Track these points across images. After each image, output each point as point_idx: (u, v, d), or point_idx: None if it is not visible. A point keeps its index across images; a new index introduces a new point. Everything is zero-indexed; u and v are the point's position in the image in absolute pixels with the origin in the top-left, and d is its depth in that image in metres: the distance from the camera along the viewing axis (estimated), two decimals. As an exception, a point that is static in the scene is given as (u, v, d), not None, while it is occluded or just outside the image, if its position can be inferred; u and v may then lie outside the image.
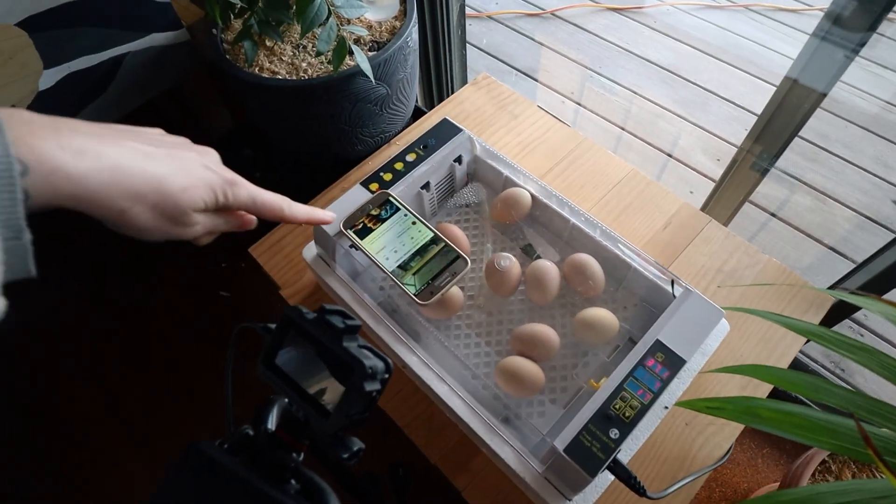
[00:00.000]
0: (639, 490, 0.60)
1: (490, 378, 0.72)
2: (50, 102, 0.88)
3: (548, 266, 0.75)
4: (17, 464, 1.26)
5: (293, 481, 0.40)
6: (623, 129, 1.69)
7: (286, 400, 0.42)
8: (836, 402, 0.53)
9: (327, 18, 0.75)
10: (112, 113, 0.97)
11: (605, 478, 0.65)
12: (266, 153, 1.13)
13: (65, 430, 1.29)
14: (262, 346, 0.41)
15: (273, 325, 0.42)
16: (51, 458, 1.26)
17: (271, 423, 0.42)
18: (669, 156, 1.62)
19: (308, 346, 0.40)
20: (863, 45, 0.70)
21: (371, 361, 0.38)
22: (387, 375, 0.40)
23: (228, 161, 1.16)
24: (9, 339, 1.41)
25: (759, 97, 1.65)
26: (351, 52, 0.78)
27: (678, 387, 0.69)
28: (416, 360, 0.70)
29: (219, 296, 1.42)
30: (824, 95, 0.79)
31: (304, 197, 0.93)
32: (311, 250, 0.81)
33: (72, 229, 1.55)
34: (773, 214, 1.47)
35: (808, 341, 1.03)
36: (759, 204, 1.48)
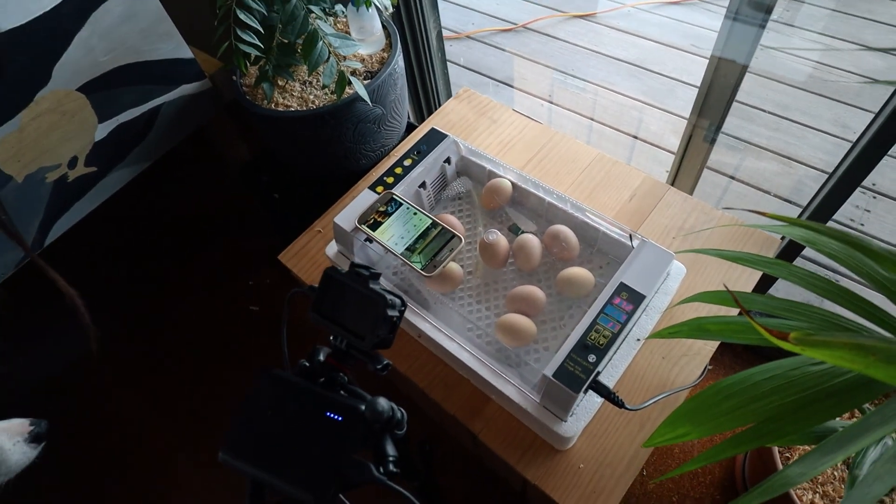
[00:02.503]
0: (618, 403, 0.74)
1: (492, 335, 0.86)
2: (104, 150, 1.05)
3: (530, 238, 0.90)
4: (70, 472, 1.41)
5: (342, 392, 0.55)
6: (599, 122, 1.85)
7: (331, 337, 0.57)
8: (760, 307, 0.67)
9: (328, 58, 0.91)
10: (152, 154, 1.14)
11: (593, 401, 0.79)
12: (282, 177, 1.29)
13: (117, 435, 1.45)
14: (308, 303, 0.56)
15: (316, 286, 0.57)
16: (106, 464, 1.41)
17: (322, 356, 0.57)
18: (643, 141, 1.77)
19: (344, 294, 0.55)
20: (766, 22, 0.86)
21: (391, 296, 0.53)
22: (403, 308, 0.55)
23: (249, 187, 1.35)
24: (61, 365, 1.58)
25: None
26: (350, 83, 0.94)
27: (647, 322, 0.84)
28: (428, 326, 0.85)
29: (249, 310, 1.58)
30: (746, 67, 0.94)
31: (320, 208, 1.09)
32: (332, 248, 0.97)
33: (106, 258, 1.74)
34: (748, 184, 1.61)
35: (768, 281, 1.17)
36: (730, 174, 1.63)
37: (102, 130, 1.03)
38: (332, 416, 0.49)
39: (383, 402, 0.49)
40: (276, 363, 0.64)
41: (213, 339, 1.56)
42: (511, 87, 2.02)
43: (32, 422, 0.71)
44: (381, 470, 0.49)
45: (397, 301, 0.54)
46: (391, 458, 0.50)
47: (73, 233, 1.06)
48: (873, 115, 0.84)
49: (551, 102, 1.94)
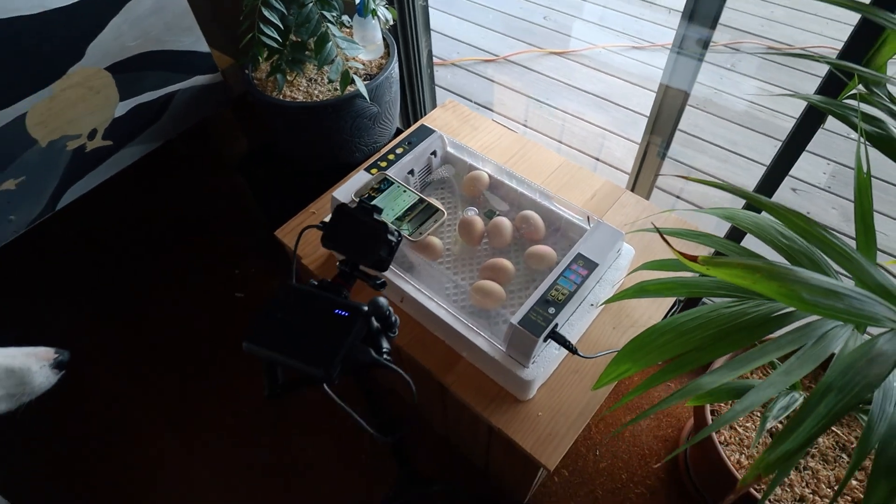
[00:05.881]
0: (573, 350, 0.86)
1: (467, 299, 0.98)
2: (121, 126, 1.17)
3: (503, 220, 1.04)
4: (59, 457, 1.46)
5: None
6: (567, 145, 2.03)
7: (337, 263, 0.69)
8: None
9: (335, 57, 1.05)
10: (162, 135, 1.25)
11: (552, 353, 0.91)
12: (278, 170, 1.41)
13: (103, 416, 1.50)
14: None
15: (326, 222, 0.69)
16: (93, 446, 1.46)
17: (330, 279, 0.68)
18: (605, 163, 1.96)
19: (351, 224, 0.67)
20: (703, 56, 1.04)
21: (390, 224, 0.65)
22: (399, 238, 0.67)
23: (245, 179, 1.47)
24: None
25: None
26: (352, 81, 1.08)
27: (601, 293, 0.97)
28: (411, 288, 0.96)
29: (234, 297, 1.67)
30: (688, 94, 1.11)
31: (312, 195, 1.20)
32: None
33: (92, 249, 1.81)
34: (695, 205, 1.79)
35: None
36: (689, 200, 1.81)
37: (122, 108, 1.15)
38: (339, 312, 0.61)
39: (383, 301, 0.61)
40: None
41: (199, 323, 1.64)
42: (490, 110, 2.20)
43: (57, 350, 0.78)
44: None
45: (395, 230, 0.66)
46: (385, 350, 0.61)
47: (66, 220, 1.15)
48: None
49: (525, 126, 2.12)
